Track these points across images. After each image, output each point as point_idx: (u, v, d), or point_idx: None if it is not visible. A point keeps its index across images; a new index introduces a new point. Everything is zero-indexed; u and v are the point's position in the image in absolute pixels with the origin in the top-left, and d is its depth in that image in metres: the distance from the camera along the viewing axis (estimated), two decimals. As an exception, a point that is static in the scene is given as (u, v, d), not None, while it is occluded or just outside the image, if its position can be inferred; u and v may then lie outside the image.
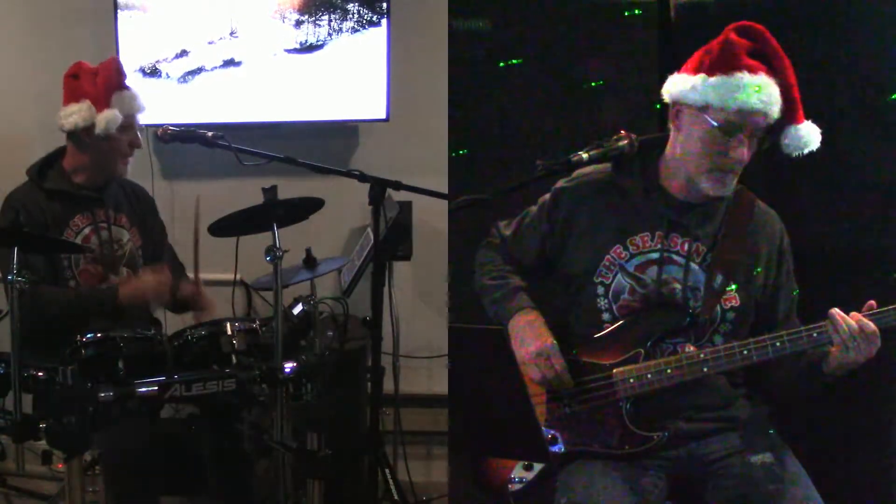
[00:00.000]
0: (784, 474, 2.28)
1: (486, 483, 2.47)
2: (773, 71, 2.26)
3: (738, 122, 2.24)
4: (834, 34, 2.78)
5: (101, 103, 3.08)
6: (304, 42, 4.04)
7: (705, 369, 2.29)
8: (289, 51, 4.04)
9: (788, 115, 2.28)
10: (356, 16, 4.01)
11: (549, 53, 2.98)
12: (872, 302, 2.20)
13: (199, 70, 4.09)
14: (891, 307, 2.18)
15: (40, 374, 2.52)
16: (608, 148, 2.22)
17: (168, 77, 4.08)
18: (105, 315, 2.98)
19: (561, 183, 2.49)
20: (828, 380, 2.28)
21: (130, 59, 3.94)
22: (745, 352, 2.26)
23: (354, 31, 4.00)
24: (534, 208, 2.54)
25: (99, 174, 3.18)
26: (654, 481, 2.33)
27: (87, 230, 3.16)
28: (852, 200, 2.80)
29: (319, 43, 4.03)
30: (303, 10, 4.01)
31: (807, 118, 2.33)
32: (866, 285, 2.28)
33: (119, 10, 3.95)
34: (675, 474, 2.36)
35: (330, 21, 4.04)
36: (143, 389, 2.45)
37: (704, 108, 2.26)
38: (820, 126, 2.49)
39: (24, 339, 2.48)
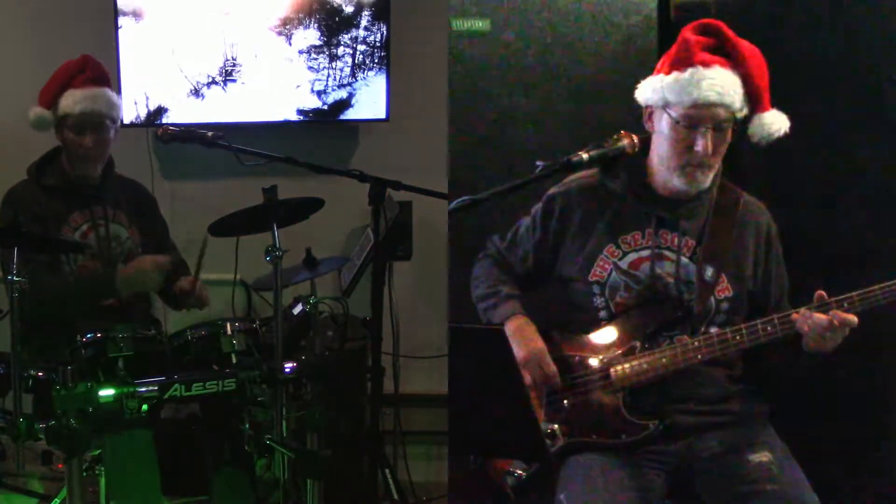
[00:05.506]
0: (782, 474, 2.28)
1: (488, 480, 2.48)
2: (733, 63, 2.32)
3: (697, 116, 2.30)
4: (834, 33, 2.78)
5: (42, 102, 3.13)
6: (323, 93, 3.72)
7: (699, 356, 2.33)
8: (304, 115, 3.82)
9: (753, 105, 2.34)
10: (378, 49, 3.70)
11: (549, 53, 2.99)
12: (822, 292, 2.26)
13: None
14: (852, 295, 2.24)
15: (40, 374, 2.52)
16: (608, 148, 2.23)
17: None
18: (104, 301, 2.97)
19: (551, 189, 2.55)
20: (817, 357, 2.33)
21: (127, 67, 3.84)
22: (738, 337, 2.31)
23: (380, 69, 3.84)
24: (527, 218, 2.59)
25: (73, 170, 3.17)
26: (653, 479, 2.34)
27: (85, 227, 3.16)
28: (852, 200, 2.80)
29: (346, 99, 3.69)
30: (308, 20, 3.80)
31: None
32: (866, 285, 2.29)
33: (119, 16, 3.91)
34: (674, 471, 2.37)
35: (354, 53, 3.70)
36: (143, 389, 2.45)
37: (666, 106, 2.34)
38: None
39: (24, 338, 2.48)
